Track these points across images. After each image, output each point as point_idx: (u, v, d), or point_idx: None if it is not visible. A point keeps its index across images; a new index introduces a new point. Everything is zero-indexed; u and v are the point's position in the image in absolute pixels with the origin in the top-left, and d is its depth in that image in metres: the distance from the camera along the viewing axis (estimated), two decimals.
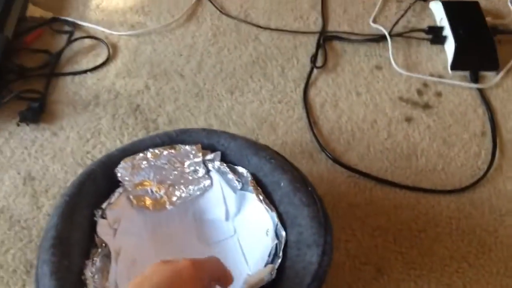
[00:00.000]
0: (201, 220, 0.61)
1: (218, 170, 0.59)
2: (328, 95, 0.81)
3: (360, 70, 0.84)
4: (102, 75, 0.82)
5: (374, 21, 0.91)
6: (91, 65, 0.83)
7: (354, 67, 0.85)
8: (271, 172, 0.56)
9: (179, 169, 0.59)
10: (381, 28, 0.89)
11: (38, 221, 0.66)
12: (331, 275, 0.51)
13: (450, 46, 0.85)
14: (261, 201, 0.55)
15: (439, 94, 0.81)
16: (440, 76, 0.84)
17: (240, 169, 0.58)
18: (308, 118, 0.77)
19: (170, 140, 0.60)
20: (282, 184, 0.55)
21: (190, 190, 0.59)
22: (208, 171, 0.59)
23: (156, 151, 0.58)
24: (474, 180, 0.71)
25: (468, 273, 0.64)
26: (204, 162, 0.59)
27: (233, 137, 0.59)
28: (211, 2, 0.92)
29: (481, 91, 0.81)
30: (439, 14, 0.89)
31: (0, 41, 0.78)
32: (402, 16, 0.91)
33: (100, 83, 0.81)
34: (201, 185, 0.59)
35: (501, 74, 0.83)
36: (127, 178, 0.57)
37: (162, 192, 0.59)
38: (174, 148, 0.59)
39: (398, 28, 0.89)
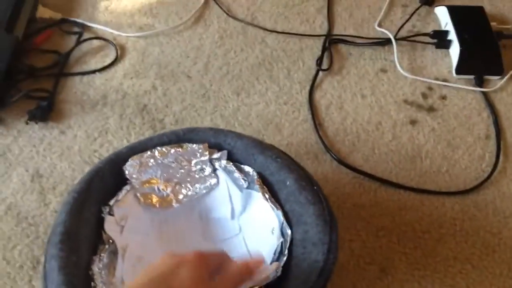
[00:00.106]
0: (207, 218, 0.61)
1: (225, 169, 0.59)
2: (334, 97, 0.81)
3: (365, 73, 0.85)
4: (110, 75, 0.83)
5: (380, 25, 0.91)
6: (99, 66, 0.84)
7: (359, 70, 0.85)
8: (277, 171, 0.56)
9: (186, 167, 0.60)
10: (386, 32, 0.89)
11: (45, 218, 0.67)
12: (335, 274, 0.51)
13: (455, 50, 0.85)
14: (267, 199, 0.56)
15: (443, 98, 0.82)
16: (444, 80, 0.84)
17: (246, 168, 0.58)
18: (314, 120, 0.78)
19: (178, 138, 0.60)
20: (288, 182, 0.55)
21: (196, 188, 0.60)
22: (214, 170, 0.60)
23: (164, 149, 0.59)
24: (478, 182, 0.72)
25: (472, 274, 0.64)
26: (211, 161, 0.59)
27: (240, 136, 0.60)
28: (219, 5, 0.93)
29: (485, 95, 0.82)
30: (444, 19, 0.90)
31: (11, 42, 0.79)
32: (407, 20, 0.91)
33: (108, 83, 0.82)
34: (208, 184, 0.60)
35: (506, 78, 0.84)
36: (134, 176, 0.58)
37: (168, 190, 0.59)
38: (181, 147, 0.59)
39: (403, 32, 0.90)
